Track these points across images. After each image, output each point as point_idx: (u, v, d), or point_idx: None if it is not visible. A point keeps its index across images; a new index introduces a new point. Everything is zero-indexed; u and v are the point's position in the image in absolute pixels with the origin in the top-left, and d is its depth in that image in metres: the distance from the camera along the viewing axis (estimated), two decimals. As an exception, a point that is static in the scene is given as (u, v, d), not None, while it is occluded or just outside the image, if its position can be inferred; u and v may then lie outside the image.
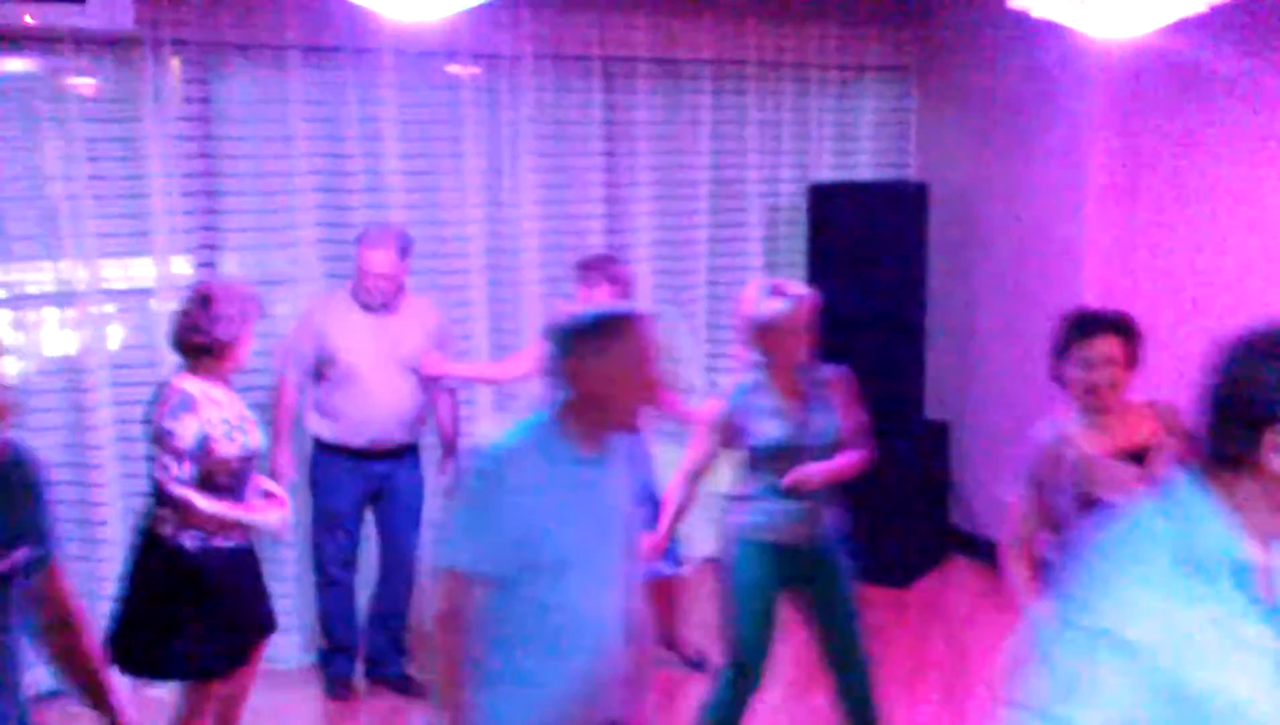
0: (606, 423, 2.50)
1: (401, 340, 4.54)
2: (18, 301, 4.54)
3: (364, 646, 4.80)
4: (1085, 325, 3.08)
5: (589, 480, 2.52)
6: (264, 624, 3.82)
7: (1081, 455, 3.06)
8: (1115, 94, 5.29)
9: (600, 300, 4.42)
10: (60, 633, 2.34)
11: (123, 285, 4.68)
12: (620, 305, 2.50)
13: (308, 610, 4.87)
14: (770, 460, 3.56)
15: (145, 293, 4.69)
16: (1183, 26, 3.57)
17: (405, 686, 4.69)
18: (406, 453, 4.68)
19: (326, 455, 4.61)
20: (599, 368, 2.43)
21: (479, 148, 5.24)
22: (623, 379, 2.43)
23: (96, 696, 2.41)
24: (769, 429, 3.55)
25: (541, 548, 2.44)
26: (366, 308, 4.50)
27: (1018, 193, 5.72)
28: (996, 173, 5.83)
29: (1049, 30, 3.81)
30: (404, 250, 4.50)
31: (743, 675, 3.66)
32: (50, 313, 4.60)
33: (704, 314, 5.83)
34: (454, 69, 5.19)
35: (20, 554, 2.13)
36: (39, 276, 4.52)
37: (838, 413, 3.63)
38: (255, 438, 3.65)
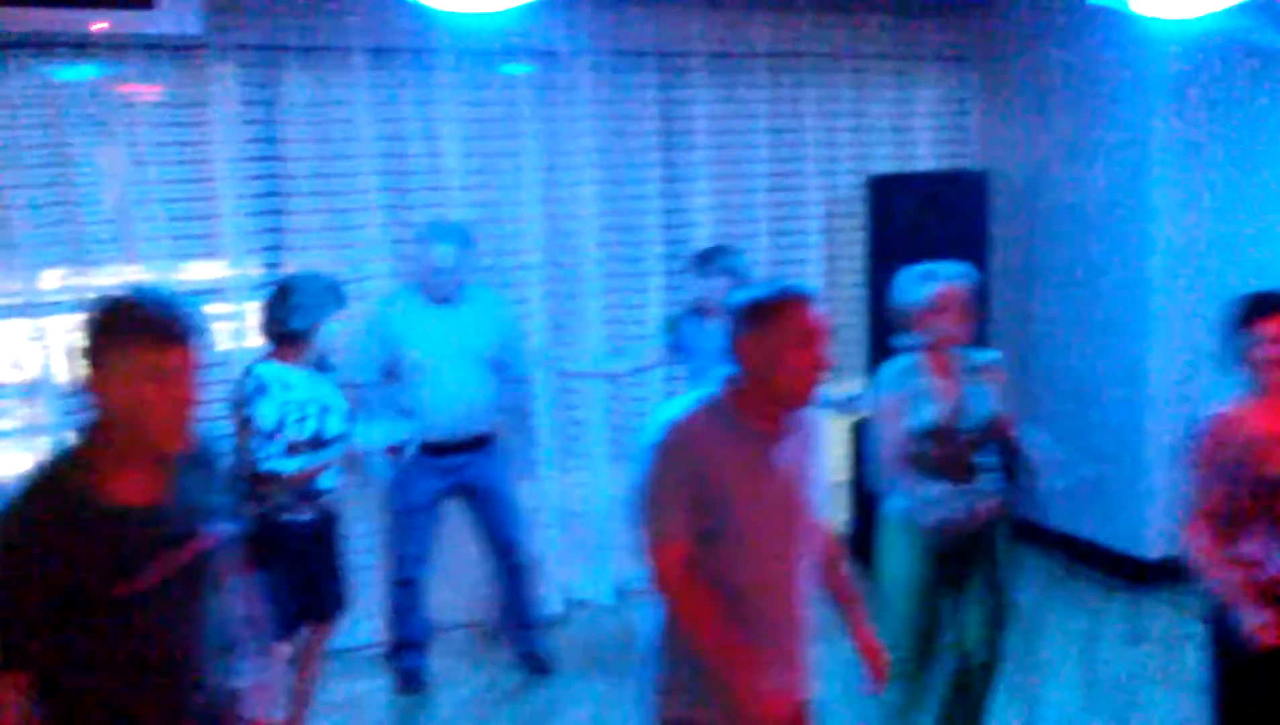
0: (775, 400, 2.54)
1: (470, 332, 4.59)
2: (85, 305, 4.63)
3: (504, 632, 4.99)
4: (1268, 304, 3.09)
5: (763, 456, 2.55)
6: (330, 603, 3.94)
7: (1255, 435, 3.04)
8: (1177, 78, 5.22)
9: (714, 291, 4.52)
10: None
11: (191, 287, 4.77)
12: (786, 284, 2.58)
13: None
14: (924, 442, 3.55)
15: (214, 293, 4.78)
16: (1244, 8, 3.53)
17: (539, 665, 4.87)
18: (484, 443, 4.71)
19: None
20: (762, 345, 2.49)
21: (537, 145, 5.28)
22: (783, 357, 2.48)
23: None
24: (924, 411, 3.54)
25: (716, 519, 2.50)
26: (432, 302, 4.57)
27: (1080, 181, 5.66)
28: (1059, 160, 5.77)
29: (1110, 14, 3.78)
30: (465, 244, 4.56)
31: (909, 668, 3.64)
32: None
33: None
34: (512, 67, 5.24)
35: (215, 534, 2.27)
36: (109, 279, 4.62)
37: (993, 398, 3.61)
38: (332, 424, 3.79)
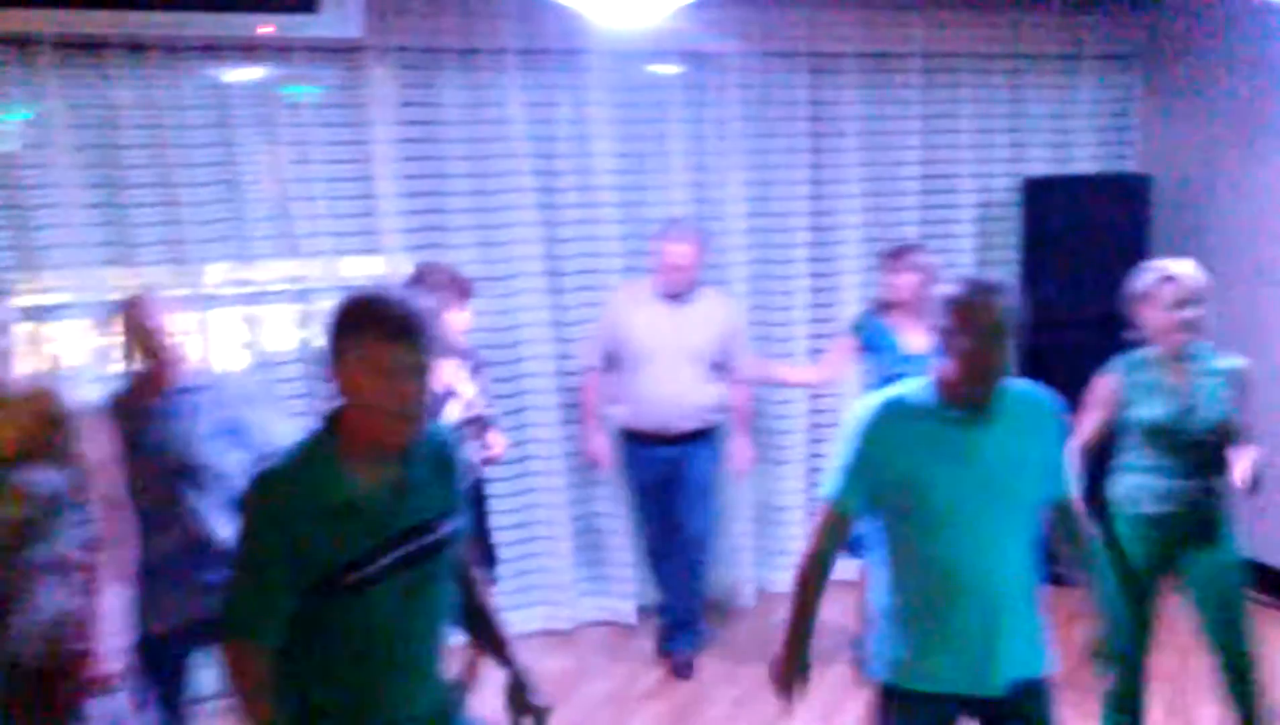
0: (971, 390, 2.65)
1: (694, 331, 4.72)
2: (253, 298, 4.82)
3: (656, 623, 5.08)
4: None
5: (970, 441, 2.65)
6: (489, 559, 4.19)
7: None
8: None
9: (904, 287, 4.58)
10: (465, 594, 2.58)
11: (351, 282, 4.91)
12: (979, 280, 2.67)
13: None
14: (1151, 438, 3.56)
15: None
16: None
17: (681, 667, 4.91)
18: (699, 438, 4.81)
19: (628, 440, 4.87)
20: (952, 337, 2.62)
21: (685, 145, 5.30)
22: (967, 350, 2.61)
23: (496, 647, 2.64)
24: (1153, 406, 3.55)
25: (918, 498, 2.65)
26: (663, 297, 4.70)
27: (1248, 186, 5.42)
28: (1226, 165, 5.53)
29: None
30: (702, 244, 4.70)
31: (1122, 662, 3.62)
32: (283, 308, 4.86)
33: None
34: (661, 68, 5.26)
35: (451, 525, 2.39)
36: (273, 274, 4.80)
37: (1228, 402, 3.55)
38: (452, 411, 3.94)
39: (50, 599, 2.82)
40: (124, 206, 4.48)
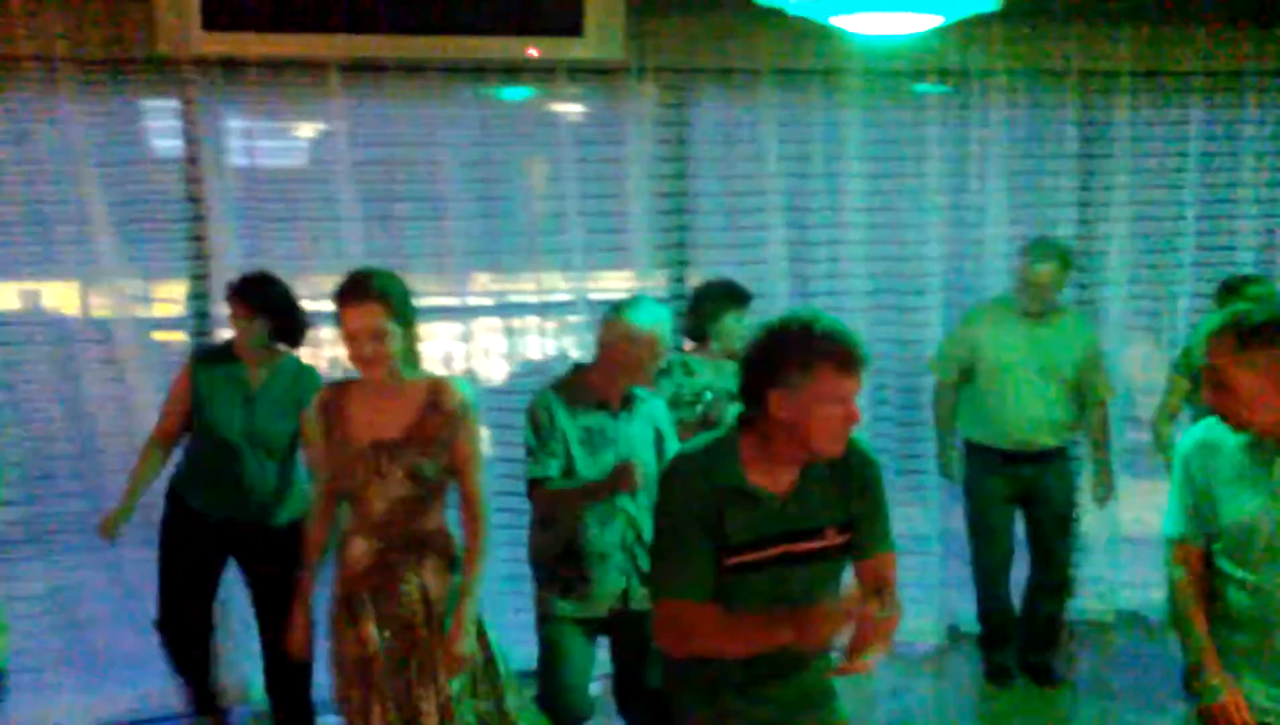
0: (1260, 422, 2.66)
1: (1055, 349, 4.68)
2: (505, 310, 5.00)
3: (1017, 637, 4.99)
4: None
5: (1261, 465, 2.69)
6: None
7: None
8: None
9: None
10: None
11: (601, 296, 5.01)
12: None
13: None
14: None
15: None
16: None
17: (1049, 679, 4.92)
18: (1054, 456, 4.79)
19: (977, 457, 4.83)
20: (1243, 370, 2.60)
21: (945, 167, 5.17)
22: (1264, 385, 2.58)
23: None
24: None
25: (1215, 520, 2.74)
26: (1024, 315, 4.68)
27: None
28: None
29: None
30: (1066, 264, 4.64)
31: None
32: (534, 321, 5.01)
33: (1185, 332, 5.41)
34: (922, 87, 5.16)
35: (835, 540, 2.51)
36: (528, 285, 4.95)
37: None
38: (731, 411, 4.03)
39: (423, 573, 3.25)
40: (396, 219, 4.72)
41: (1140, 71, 5.23)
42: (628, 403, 3.68)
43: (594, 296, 4.91)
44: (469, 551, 3.32)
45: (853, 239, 5.11)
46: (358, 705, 3.27)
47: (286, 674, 4.13)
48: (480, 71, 4.71)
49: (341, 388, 3.34)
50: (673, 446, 3.64)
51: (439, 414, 3.22)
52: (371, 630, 3.25)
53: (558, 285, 4.92)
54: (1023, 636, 4.98)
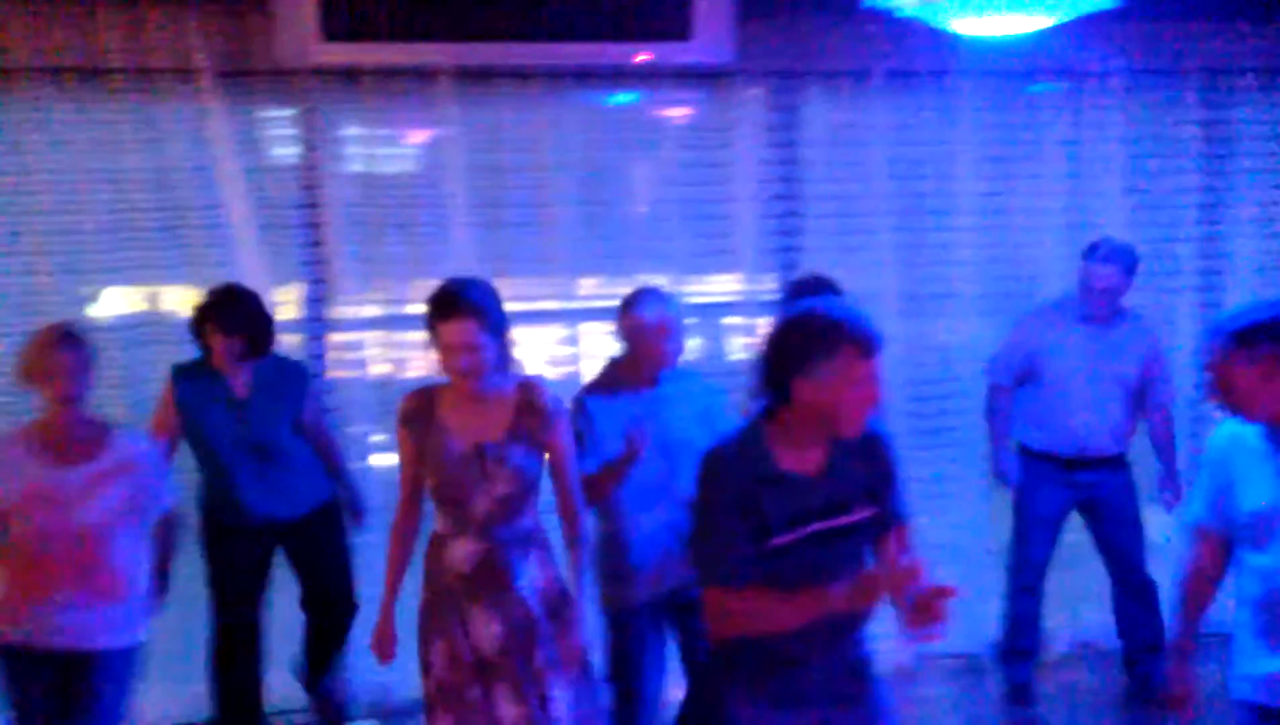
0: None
1: (1116, 353, 4.60)
2: (612, 313, 5.00)
3: (1123, 647, 4.89)
4: None
5: (1275, 454, 2.80)
6: None
7: None
8: None
9: None
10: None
11: (707, 300, 5.01)
12: None
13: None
14: None
15: (728, 308, 5.01)
16: None
17: (1156, 689, 4.65)
18: (1115, 463, 4.71)
19: (1033, 462, 4.74)
20: (1240, 368, 2.75)
21: (1060, 168, 5.07)
22: (1262, 381, 2.72)
23: None
24: None
25: (1236, 511, 2.84)
26: (1085, 319, 4.59)
27: None
28: None
29: None
30: (1130, 267, 4.54)
31: None
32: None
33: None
34: (1036, 88, 5.06)
35: (869, 511, 2.64)
36: (631, 290, 4.96)
37: None
38: None
39: (530, 567, 3.37)
40: (504, 224, 4.78)
41: (1264, 68, 5.07)
42: (658, 384, 3.83)
43: (700, 300, 4.92)
44: (573, 544, 3.46)
45: (964, 242, 5.04)
46: (475, 704, 3.32)
47: (325, 659, 4.39)
48: (587, 77, 4.75)
49: (430, 394, 3.38)
50: (721, 423, 3.68)
51: (535, 413, 3.33)
52: (488, 629, 3.32)
53: (666, 288, 4.92)
54: (1124, 648, 4.88)
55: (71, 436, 3.46)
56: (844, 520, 2.61)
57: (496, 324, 3.27)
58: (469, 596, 3.35)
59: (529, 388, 3.37)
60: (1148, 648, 4.79)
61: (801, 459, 2.60)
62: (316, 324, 4.75)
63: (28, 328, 4.29)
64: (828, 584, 2.53)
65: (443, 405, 3.34)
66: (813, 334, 2.49)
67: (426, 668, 3.40)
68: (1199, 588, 3.01)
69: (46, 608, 3.46)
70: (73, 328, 3.57)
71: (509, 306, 4.70)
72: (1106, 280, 4.49)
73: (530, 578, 3.38)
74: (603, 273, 4.93)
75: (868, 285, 4.99)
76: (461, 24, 4.45)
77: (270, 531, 4.25)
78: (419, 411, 3.36)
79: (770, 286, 4.99)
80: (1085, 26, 4.58)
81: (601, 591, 3.80)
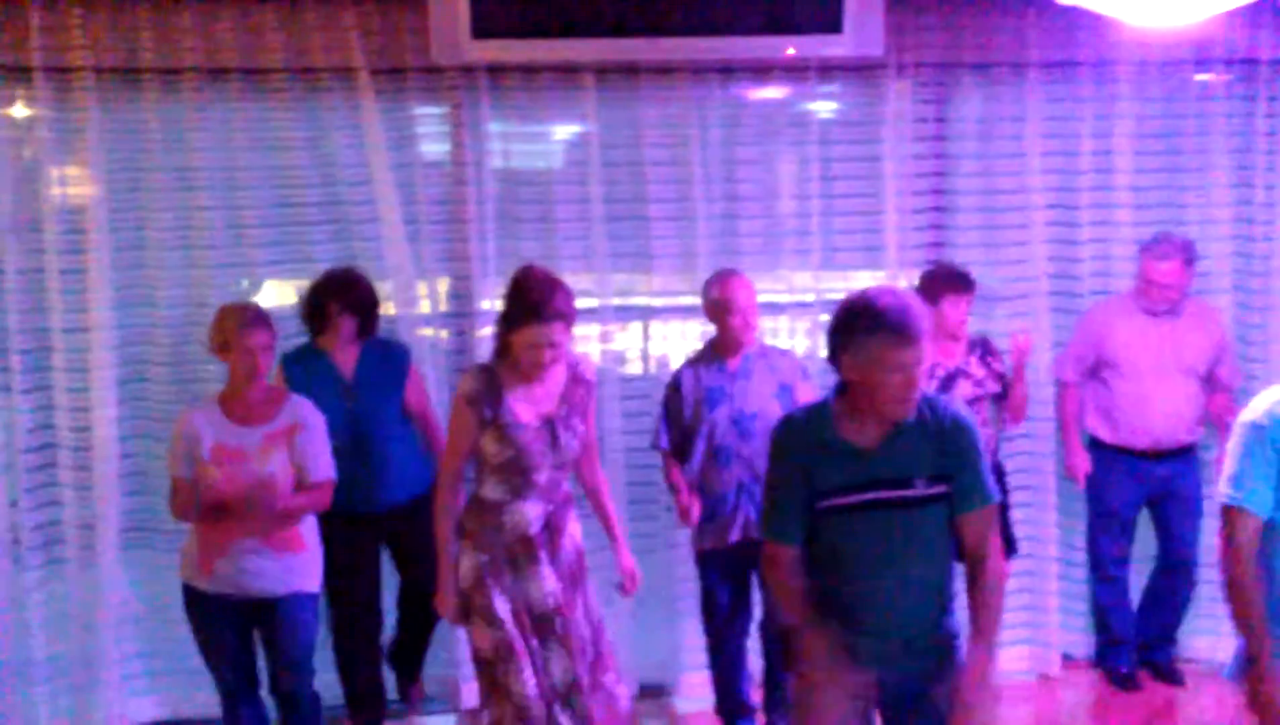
0: None
1: (1184, 345, 4.60)
2: (760, 308, 4.94)
3: (1137, 635, 4.89)
4: None
5: None
6: None
7: None
8: None
9: None
10: (968, 573, 2.92)
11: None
12: None
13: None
14: None
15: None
16: None
17: (1175, 675, 4.83)
18: (1187, 453, 4.71)
19: (1106, 455, 4.74)
20: None
21: (1228, 160, 4.86)
22: None
23: (974, 628, 2.87)
24: None
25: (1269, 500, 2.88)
26: (1149, 313, 4.58)
27: None
28: None
29: None
30: (1189, 261, 4.54)
31: None
32: (784, 320, 4.97)
33: None
34: (1203, 77, 4.84)
35: (935, 487, 2.80)
36: (775, 286, 4.91)
37: None
38: (962, 388, 4.43)
39: (570, 523, 3.78)
40: (645, 219, 4.78)
41: None
42: (744, 360, 4.23)
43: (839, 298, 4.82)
44: (606, 500, 3.92)
45: (1123, 238, 4.86)
46: (535, 653, 3.63)
47: (420, 651, 4.64)
48: (732, 71, 4.71)
49: (489, 375, 3.63)
50: (804, 397, 4.08)
51: (581, 384, 3.72)
52: (546, 585, 3.65)
53: (808, 284, 4.87)
54: (1144, 630, 4.87)
55: (254, 402, 3.89)
56: (899, 493, 2.78)
57: (574, 322, 3.62)
58: (529, 556, 3.66)
59: (576, 361, 3.75)
60: (1163, 635, 4.85)
61: (862, 432, 2.79)
62: (459, 318, 4.81)
63: (189, 321, 4.53)
64: (889, 553, 2.79)
65: (504, 384, 3.60)
66: (856, 316, 2.71)
67: (491, 622, 3.62)
68: (1253, 579, 2.91)
69: (233, 557, 3.83)
70: (261, 308, 4.00)
71: (652, 301, 4.84)
72: (1167, 275, 4.47)
73: (571, 531, 3.77)
74: (747, 270, 4.87)
75: (1019, 281, 4.86)
76: (607, 20, 4.45)
77: (373, 518, 4.34)
78: (485, 391, 3.59)
79: (916, 283, 4.88)
80: (1256, 12, 4.39)
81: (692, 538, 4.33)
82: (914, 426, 2.79)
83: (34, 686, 4.57)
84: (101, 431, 4.50)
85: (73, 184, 4.53)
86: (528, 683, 3.58)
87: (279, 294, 4.74)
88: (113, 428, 4.51)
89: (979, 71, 4.78)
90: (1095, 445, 4.78)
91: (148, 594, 4.60)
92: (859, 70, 4.73)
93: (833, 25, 4.47)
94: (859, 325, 2.69)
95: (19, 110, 4.50)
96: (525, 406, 3.60)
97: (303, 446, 3.88)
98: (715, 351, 4.31)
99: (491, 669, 3.64)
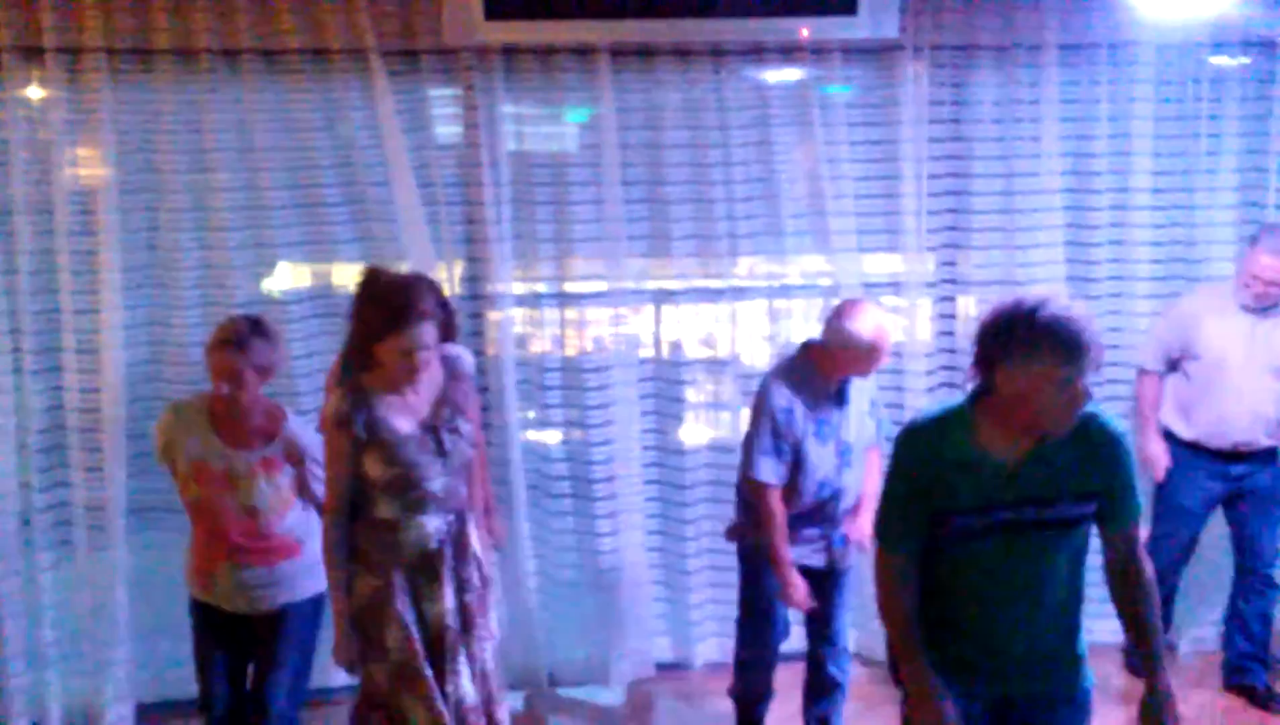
0: None
1: (1271, 342, 4.43)
2: (775, 292, 4.95)
3: (1224, 652, 4.78)
4: None
5: None
6: None
7: None
8: None
9: None
10: (1120, 583, 2.79)
11: (868, 280, 4.88)
12: None
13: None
14: None
15: (890, 287, 4.89)
16: None
17: (1264, 699, 4.64)
18: (1266, 455, 4.56)
19: (1182, 451, 4.61)
20: None
21: (1244, 144, 4.83)
22: None
23: (1141, 654, 2.80)
24: None
25: None
26: (1245, 308, 4.43)
27: None
28: None
29: None
30: None
31: None
32: (800, 304, 4.93)
33: None
34: (1220, 59, 4.82)
35: (1083, 508, 2.65)
36: (789, 269, 4.88)
37: None
38: None
39: (473, 534, 3.53)
40: (661, 201, 4.75)
41: None
42: (844, 386, 3.92)
43: (861, 280, 4.82)
44: (491, 504, 3.82)
45: (1139, 222, 4.84)
46: (430, 682, 3.35)
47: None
48: (748, 53, 4.68)
49: (356, 390, 3.32)
50: (876, 414, 4.07)
51: (458, 380, 3.44)
52: (444, 604, 3.39)
53: (823, 268, 4.85)
54: (1234, 649, 4.71)
55: (244, 421, 3.61)
56: (1042, 514, 2.61)
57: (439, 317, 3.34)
58: (428, 574, 3.39)
59: (448, 358, 3.44)
60: (1256, 655, 4.66)
61: (1005, 445, 2.60)
62: (474, 301, 4.79)
63: (207, 302, 4.51)
64: (1025, 577, 2.63)
65: (376, 397, 3.32)
66: (1019, 328, 2.50)
67: (380, 654, 3.38)
68: None
69: (224, 574, 3.65)
70: (244, 326, 3.59)
71: (667, 285, 4.82)
72: (1275, 272, 4.29)
73: (474, 543, 3.51)
74: (762, 252, 4.87)
75: (1034, 266, 4.84)
76: (622, 1, 4.43)
77: None
78: (354, 409, 3.29)
79: (931, 267, 4.87)
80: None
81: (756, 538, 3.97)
82: (1060, 440, 2.60)
83: (45, 668, 4.57)
84: (111, 412, 4.48)
85: (85, 165, 4.49)
86: (435, 703, 3.35)
87: (294, 276, 4.71)
88: (123, 409, 4.49)
89: (996, 53, 4.74)
90: (1169, 439, 4.65)
91: (160, 575, 4.58)
92: (875, 52, 4.71)
93: (849, 6, 4.46)
94: (1020, 337, 2.49)
95: (32, 91, 4.45)
96: (402, 417, 3.32)
97: (305, 473, 3.68)
98: (817, 373, 3.88)
99: (390, 703, 3.39)
